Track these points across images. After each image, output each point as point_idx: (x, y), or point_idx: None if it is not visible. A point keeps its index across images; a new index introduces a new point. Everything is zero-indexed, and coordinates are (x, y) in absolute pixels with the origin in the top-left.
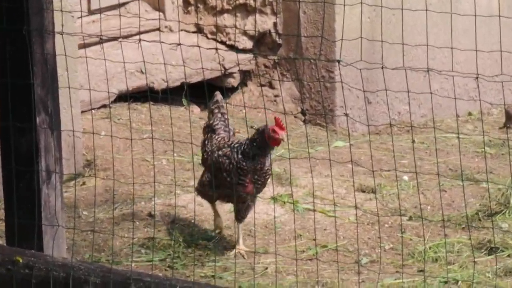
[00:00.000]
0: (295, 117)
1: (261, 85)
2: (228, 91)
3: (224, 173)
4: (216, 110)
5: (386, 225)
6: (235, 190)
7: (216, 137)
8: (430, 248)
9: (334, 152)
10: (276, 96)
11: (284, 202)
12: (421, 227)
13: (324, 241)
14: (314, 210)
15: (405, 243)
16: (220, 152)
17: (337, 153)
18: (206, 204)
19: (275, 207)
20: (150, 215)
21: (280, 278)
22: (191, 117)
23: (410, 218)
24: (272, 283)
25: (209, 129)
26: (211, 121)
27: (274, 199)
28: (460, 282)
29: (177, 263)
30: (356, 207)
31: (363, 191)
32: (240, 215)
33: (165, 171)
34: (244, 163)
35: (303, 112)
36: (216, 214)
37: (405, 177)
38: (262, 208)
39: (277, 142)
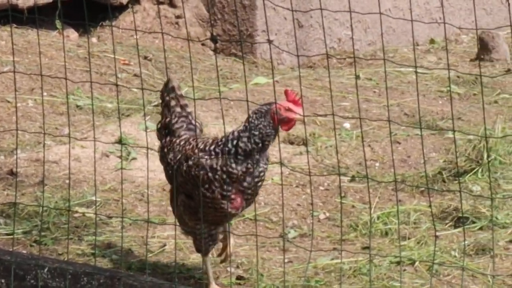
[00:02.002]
0: (202, 44)
1: (159, 3)
2: (114, 11)
3: (203, 188)
4: (173, 103)
5: (321, 188)
6: (219, 208)
7: (178, 141)
8: (378, 218)
9: (254, 91)
10: (178, 17)
11: None
12: (367, 190)
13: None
14: None
15: (346, 211)
16: (190, 163)
17: (257, 92)
18: (85, 159)
19: None
20: (12, 173)
21: (181, 257)
22: (66, 44)
23: (353, 179)
24: (171, 264)
25: (166, 131)
26: (167, 119)
27: None
28: (417, 263)
29: (46, 236)
30: (281, 164)
31: (291, 143)
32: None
33: (32, 116)
34: (233, 166)
35: (213, 39)
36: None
37: (347, 125)
38: (159, 165)
39: (292, 124)
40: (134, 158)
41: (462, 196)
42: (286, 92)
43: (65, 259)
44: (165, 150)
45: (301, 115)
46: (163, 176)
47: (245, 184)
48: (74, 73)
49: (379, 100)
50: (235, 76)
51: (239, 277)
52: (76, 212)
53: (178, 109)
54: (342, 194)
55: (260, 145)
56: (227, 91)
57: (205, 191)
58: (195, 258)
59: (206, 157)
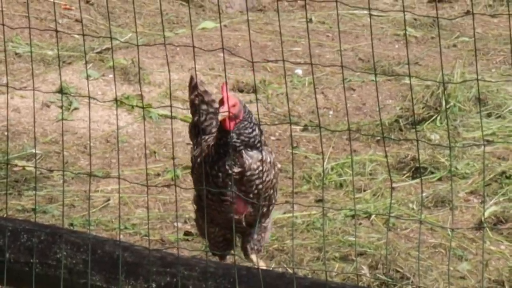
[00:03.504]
0: None
1: None
2: None
3: (208, 185)
4: (197, 101)
5: (272, 138)
6: (221, 210)
7: (206, 137)
8: (332, 169)
9: (201, 37)
10: None
11: (132, 107)
12: (320, 140)
13: (186, 161)
14: (172, 117)
15: (298, 162)
16: (199, 160)
17: (205, 37)
18: (24, 110)
19: (117, 113)
20: None
21: (126, 212)
22: None
23: (305, 128)
24: (115, 219)
25: (196, 130)
26: (196, 118)
27: (117, 101)
28: (373, 216)
29: None
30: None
31: (241, 90)
32: (249, 245)
33: None
34: (215, 166)
35: None
36: None
37: (298, 71)
38: (102, 115)
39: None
40: (76, 108)
41: (419, 145)
42: (222, 87)
43: (4, 215)
44: (194, 148)
45: (225, 110)
46: (106, 126)
47: (238, 185)
48: (12, 19)
49: (332, 44)
50: (181, 20)
51: (187, 233)
52: (16, 165)
53: (204, 107)
54: (294, 145)
55: (220, 141)
56: (173, 36)
57: (208, 191)
58: (140, 213)
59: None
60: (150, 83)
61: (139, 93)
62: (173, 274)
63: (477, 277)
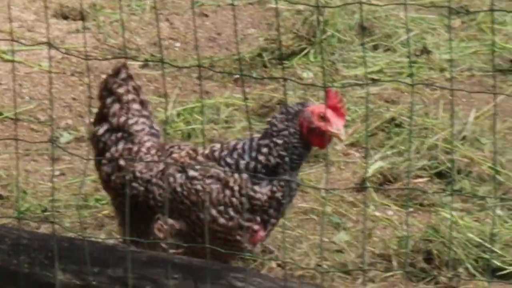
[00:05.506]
0: None
1: None
2: None
3: (215, 210)
4: (130, 97)
5: (103, 76)
6: (234, 240)
7: (145, 149)
8: (179, 115)
9: None
10: None
11: None
12: (163, 78)
13: None
14: None
15: None
16: (191, 173)
17: None
18: None
19: None
20: None
21: None
22: None
23: (146, 64)
24: None
25: (116, 135)
26: (122, 119)
27: None
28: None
29: None
30: (49, 45)
31: (65, 17)
32: None
33: None
34: (256, 189)
35: None
36: None
37: None
38: None
39: (324, 140)
40: None
41: (288, 85)
42: (327, 92)
43: None
44: (120, 160)
45: (339, 130)
46: None
47: (270, 212)
48: None
49: None
50: None
51: None
52: None
53: (136, 106)
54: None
55: (287, 159)
56: None
57: (217, 215)
58: None
59: (219, 167)
60: None
61: None
62: None
63: (357, 250)
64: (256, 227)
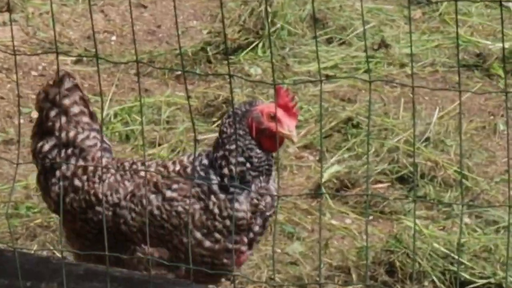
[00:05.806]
0: None
1: None
2: None
3: (199, 232)
4: (77, 109)
5: (33, 73)
6: (220, 264)
7: (103, 165)
8: (116, 115)
9: None
10: None
11: None
12: (98, 75)
13: None
14: None
15: None
16: (169, 194)
17: None
18: None
19: None
20: None
21: None
22: None
23: (79, 59)
24: None
25: (65, 152)
26: (72, 133)
27: None
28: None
29: None
30: None
31: None
32: None
33: None
34: (238, 207)
35: None
36: None
37: None
38: None
39: (274, 142)
40: None
41: (235, 83)
42: (278, 90)
43: None
44: (74, 180)
45: (291, 131)
46: None
47: (256, 229)
48: None
49: None
50: None
51: None
52: None
53: (85, 119)
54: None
55: (248, 164)
56: None
57: (202, 238)
58: None
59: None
60: None
61: None
62: None
63: (313, 262)
64: (243, 248)
